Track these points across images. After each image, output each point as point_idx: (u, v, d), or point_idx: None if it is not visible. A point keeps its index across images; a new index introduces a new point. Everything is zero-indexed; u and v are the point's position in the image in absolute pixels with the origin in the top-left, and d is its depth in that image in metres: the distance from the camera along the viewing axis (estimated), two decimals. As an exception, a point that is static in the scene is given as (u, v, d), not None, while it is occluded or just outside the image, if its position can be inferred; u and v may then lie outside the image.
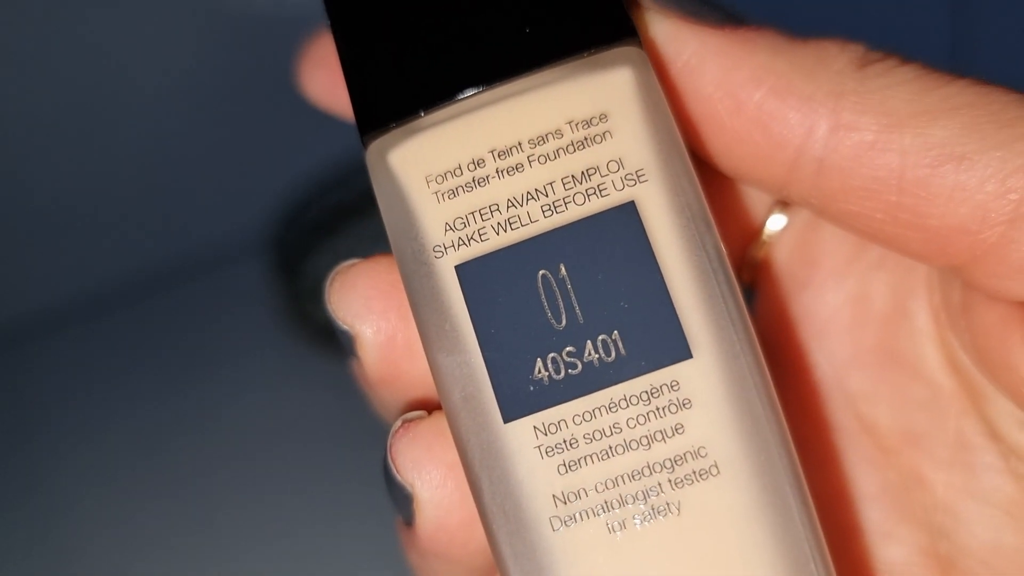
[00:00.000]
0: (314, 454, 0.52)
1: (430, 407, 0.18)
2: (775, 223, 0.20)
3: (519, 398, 0.15)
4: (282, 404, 0.55)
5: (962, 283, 0.18)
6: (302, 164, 0.54)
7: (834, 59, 0.16)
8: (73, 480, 0.55)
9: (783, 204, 0.20)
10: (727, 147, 0.17)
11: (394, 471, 0.17)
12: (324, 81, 0.21)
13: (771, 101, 0.17)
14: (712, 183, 0.19)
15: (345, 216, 0.52)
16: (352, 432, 0.45)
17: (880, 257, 0.20)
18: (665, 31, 0.17)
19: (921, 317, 0.19)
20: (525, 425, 0.15)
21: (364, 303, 0.17)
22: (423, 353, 0.17)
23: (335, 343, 0.55)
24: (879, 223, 0.17)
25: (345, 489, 0.50)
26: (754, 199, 0.21)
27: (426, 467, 0.17)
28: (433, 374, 0.16)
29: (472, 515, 0.17)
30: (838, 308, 0.20)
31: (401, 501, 0.17)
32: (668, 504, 0.15)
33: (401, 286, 0.17)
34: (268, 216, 0.56)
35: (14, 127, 0.51)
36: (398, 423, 0.17)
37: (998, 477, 0.19)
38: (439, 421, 0.17)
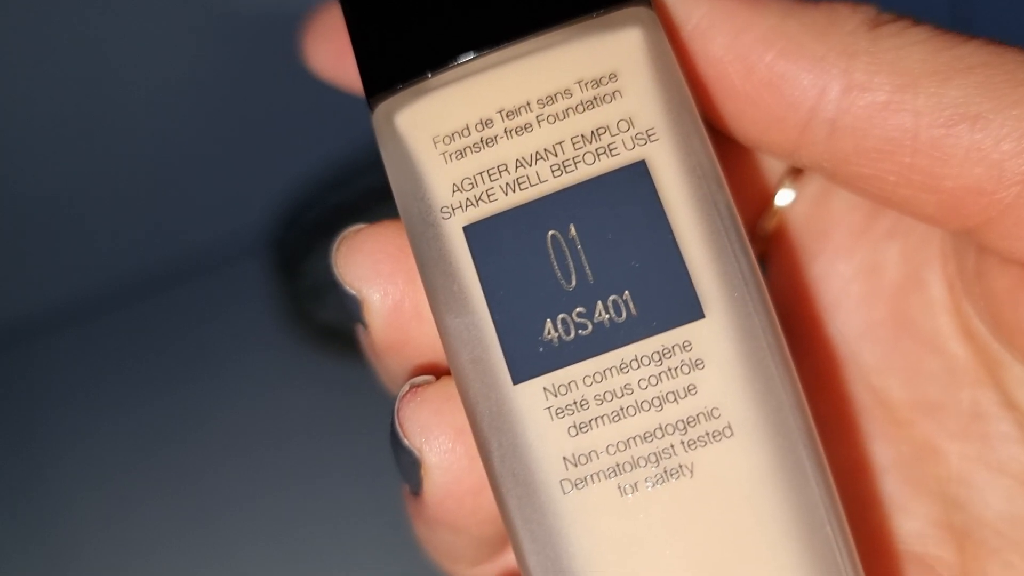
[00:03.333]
0: (314, 453, 0.53)
1: (438, 373, 0.17)
2: (784, 197, 0.20)
3: (529, 359, 0.15)
4: (282, 404, 0.55)
5: (976, 248, 0.18)
6: (302, 164, 0.54)
7: (846, 20, 0.16)
8: (73, 480, 0.55)
9: (794, 175, 0.20)
10: (738, 110, 0.17)
11: (401, 436, 0.17)
12: (329, 53, 0.21)
13: (782, 63, 0.16)
14: (724, 153, 0.19)
15: (345, 216, 0.50)
16: (352, 431, 0.47)
17: (892, 227, 0.19)
18: None
19: (935, 287, 0.19)
20: (535, 386, 0.15)
21: (371, 267, 0.17)
22: (431, 318, 0.16)
23: (335, 342, 0.55)
24: (892, 185, 0.17)
25: (345, 488, 0.51)
26: (765, 169, 0.20)
27: (434, 432, 0.16)
28: (441, 337, 0.16)
29: (481, 482, 0.16)
30: (850, 279, 0.20)
31: (408, 468, 0.17)
32: (681, 466, 0.15)
33: (409, 250, 0.17)
34: (268, 216, 0.56)
35: (14, 127, 0.51)
36: (405, 387, 0.17)
37: (1014, 447, 0.18)
38: (447, 385, 0.17)
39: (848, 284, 0.20)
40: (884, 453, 0.19)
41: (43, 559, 0.53)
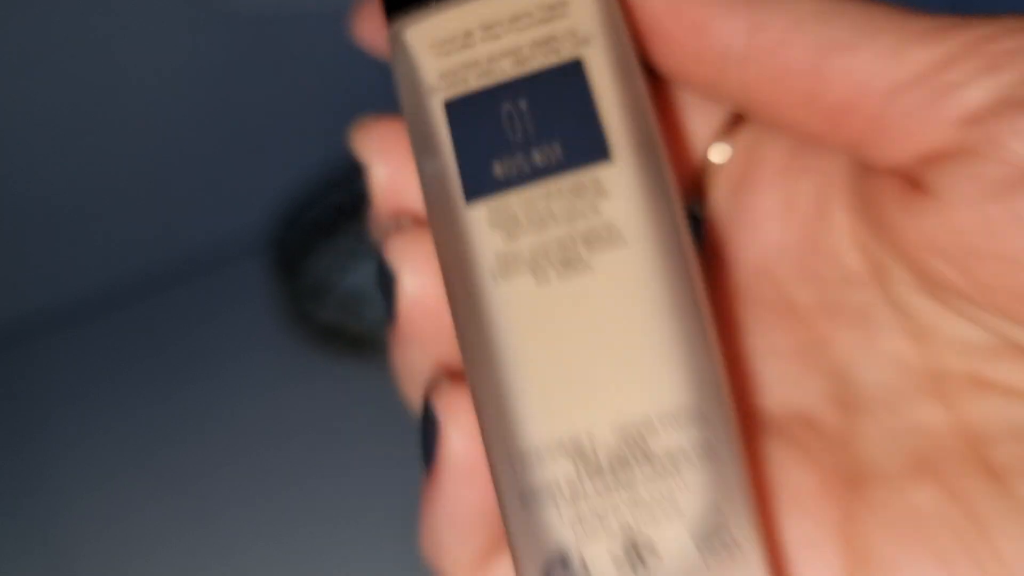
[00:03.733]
0: (314, 452, 0.52)
1: (420, 223, 0.23)
2: (720, 152, 0.25)
3: (479, 187, 0.21)
4: (282, 403, 0.55)
5: (862, 168, 0.22)
6: (302, 164, 0.54)
7: None
8: (73, 479, 0.55)
9: (729, 128, 0.25)
10: (671, 52, 0.22)
11: (385, 261, 0.22)
12: (374, 28, 0.27)
13: (704, 10, 0.22)
14: (669, 113, 0.24)
15: (345, 216, 0.52)
16: (352, 430, 0.47)
17: (805, 166, 0.24)
18: None
19: (837, 212, 0.24)
20: (481, 207, 0.20)
21: (377, 143, 0.23)
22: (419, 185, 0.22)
23: (334, 342, 0.54)
24: (789, 108, 0.22)
25: (345, 486, 0.51)
26: (703, 129, 0.26)
27: (409, 257, 0.22)
28: (419, 176, 0.21)
29: (442, 302, 0.21)
30: (772, 208, 0.25)
31: (387, 289, 0.22)
32: (583, 264, 0.20)
33: (405, 132, 0.22)
34: (268, 216, 0.55)
35: (14, 126, 0.51)
36: (391, 227, 0.22)
37: (891, 334, 0.23)
38: (423, 229, 0.22)
39: (770, 212, 0.25)
40: (787, 343, 0.24)
41: (44, 558, 0.53)
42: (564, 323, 0.19)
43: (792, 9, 0.21)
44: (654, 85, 0.23)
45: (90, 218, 0.55)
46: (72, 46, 0.48)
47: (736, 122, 0.25)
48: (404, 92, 0.22)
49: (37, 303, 0.58)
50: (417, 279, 0.22)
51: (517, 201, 0.20)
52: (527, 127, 0.21)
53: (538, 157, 0.21)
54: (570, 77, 0.21)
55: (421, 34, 0.22)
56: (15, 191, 0.53)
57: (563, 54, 0.21)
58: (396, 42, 0.22)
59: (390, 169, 0.23)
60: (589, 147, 0.20)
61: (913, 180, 0.21)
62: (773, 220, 0.24)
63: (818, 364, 0.23)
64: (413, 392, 0.23)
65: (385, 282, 0.22)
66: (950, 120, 0.20)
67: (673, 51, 0.22)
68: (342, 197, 0.53)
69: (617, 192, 0.20)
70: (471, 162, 0.21)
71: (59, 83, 0.50)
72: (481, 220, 0.20)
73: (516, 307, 0.20)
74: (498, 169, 0.21)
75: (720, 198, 0.25)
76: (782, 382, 0.23)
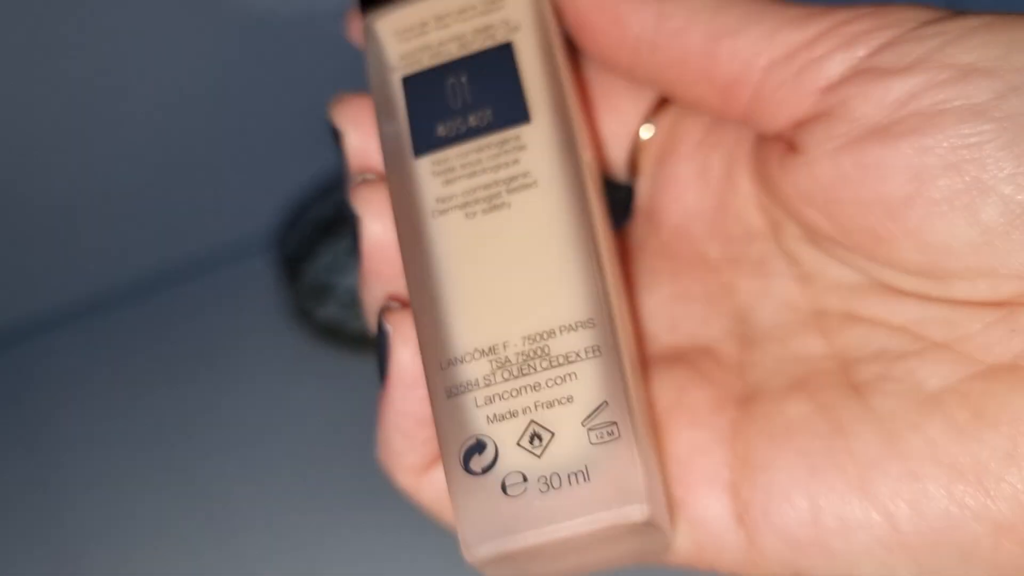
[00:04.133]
0: (314, 450, 0.53)
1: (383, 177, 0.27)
2: (646, 130, 0.29)
3: (425, 144, 0.25)
4: (282, 402, 0.55)
5: (758, 139, 0.26)
6: (304, 165, 0.54)
7: None
8: (74, 479, 0.55)
9: (654, 111, 0.29)
10: (596, 41, 0.27)
11: (352, 207, 0.26)
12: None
13: (620, 4, 0.26)
14: (601, 101, 0.29)
15: (345, 216, 0.51)
16: (352, 428, 0.43)
17: (718, 140, 0.28)
18: None
19: (741, 179, 0.28)
20: (426, 160, 0.25)
21: (351, 114, 0.27)
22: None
23: (336, 340, 0.57)
24: (691, 86, 0.26)
25: (347, 483, 0.51)
26: (634, 111, 0.30)
27: (372, 203, 0.26)
28: (380, 136, 0.26)
29: (396, 241, 0.26)
30: (689, 178, 0.29)
31: (354, 232, 0.26)
32: (504, 203, 0.24)
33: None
34: (270, 216, 0.56)
35: (18, 126, 0.51)
36: (358, 179, 0.27)
37: (783, 280, 0.26)
38: (382, 184, 0.26)
39: (688, 181, 0.29)
40: (699, 289, 0.28)
41: (46, 557, 0.53)
42: (487, 252, 0.24)
43: (691, 2, 0.25)
44: (589, 74, 0.28)
45: (94, 218, 0.55)
46: (79, 48, 0.49)
47: (661, 104, 0.29)
48: (372, 71, 0.27)
49: (39, 303, 0.58)
50: (378, 223, 0.26)
51: (454, 154, 0.25)
52: (466, 97, 0.25)
53: (473, 120, 0.25)
54: (502, 57, 0.25)
55: (387, 25, 0.27)
56: (20, 191, 0.53)
57: (497, 38, 0.26)
58: (368, 32, 0.27)
59: (360, 135, 0.27)
60: (513, 112, 0.25)
61: (790, 143, 0.25)
62: (690, 187, 0.28)
63: (722, 306, 0.27)
64: (373, 322, 0.28)
65: (353, 227, 0.26)
66: (813, 89, 0.24)
67: (598, 40, 0.27)
68: (343, 197, 0.53)
69: (534, 146, 0.24)
70: (420, 125, 0.25)
71: (63, 84, 0.50)
72: (425, 170, 0.25)
73: (449, 239, 0.24)
74: (441, 130, 0.25)
75: (648, 171, 0.29)
76: (692, 321, 0.27)
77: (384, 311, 0.25)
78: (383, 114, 0.26)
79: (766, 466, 0.24)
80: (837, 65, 0.23)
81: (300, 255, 0.54)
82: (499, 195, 0.24)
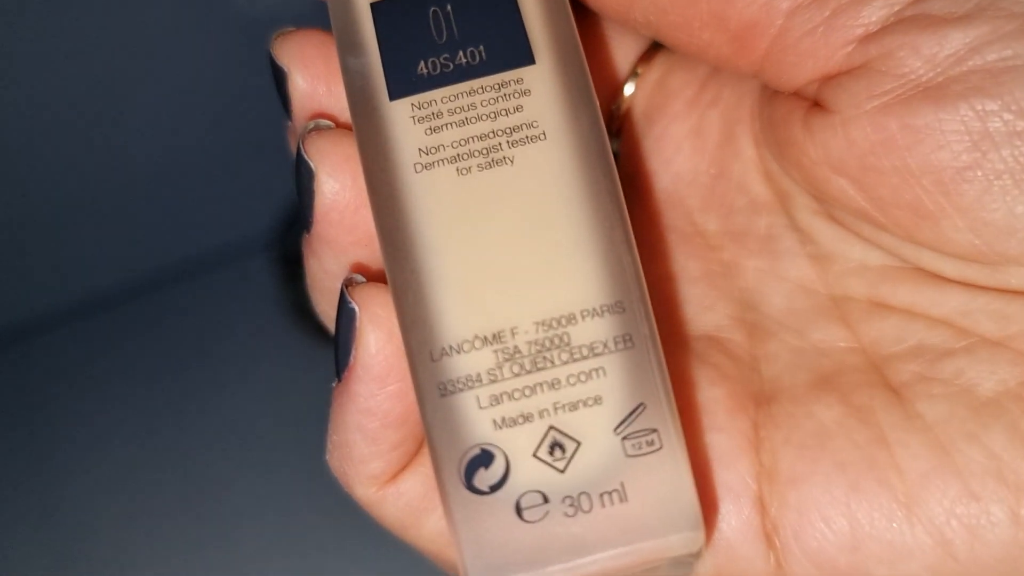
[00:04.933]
0: (314, 448, 0.52)
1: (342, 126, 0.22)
2: (630, 84, 0.26)
3: (403, 85, 0.20)
4: (284, 400, 0.55)
5: (769, 94, 0.23)
6: None
7: None
8: (75, 478, 0.55)
9: (642, 63, 0.26)
10: None
11: (304, 156, 0.21)
12: None
13: None
14: (588, 47, 0.24)
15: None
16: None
17: (714, 97, 0.25)
18: None
19: (743, 141, 0.24)
20: (404, 103, 0.20)
21: (299, 52, 0.22)
22: (341, 95, 0.21)
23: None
24: (698, 30, 0.22)
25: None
26: (620, 61, 0.26)
27: (329, 155, 0.21)
28: (342, 73, 0.21)
29: (360, 200, 0.21)
30: (682, 139, 0.25)
31: (305, 185, 0.21)
32: (504, 158, 0.20)
33: (329, 46, 0.22)
34: (271, 214, 0.57)
35: (20, 126, 0.52)
36: (311, 125, 0.22)
37: (795, 259, 0.23)
38: (344, 131, 0.22)
39: (680, 143, 0.25)
40: (697, 268, 0.24)
41: (46, 553, 0.53)
42: (486, 215, 0.19)
43: None
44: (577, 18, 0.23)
45: (97, 217, 0.56)
46: (80, 48, 0.49)
47: (648, 54, 0.25)
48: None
49: (40, 302, 0.59)
50: (336, 179, 0.21)
51: (440, 97, 0.20)
52: (453, 29, 0.21)
53: (463, 57, 0.20)
54: None
55: None
56: (21, 191, 0.54)
57: None
58: None
59: (310, 76, 0.22)
60: (513, 50, 0.20)
61: (814, 101, 0.21)
62: (683, 150, 0.25)
63: (727, 289, 0.24)
64: (326, 302, 0.23)
65: (303, 183, 0.22)
66: (848, 38, 0.20)
67: None
68: None
69: (539, 91, 0.20)
70: (396, 61, 0.21)
71: (63, 84, 0.50)
72: (404, 115, 0.20)
73: (437, 198, 0.20)
74: (423, 68, 0.20)
75: (633, 130, 0.25)
76: (691, 305, 0.24)
77: (348, 285, 0.21)
78: (346, 46, 0.21)
79: (798, 480, 0.20)
80: (877, 10, 0.20)
81: (300, 255, 0.51)
82: (498, 147, 0.20)
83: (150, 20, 0.50)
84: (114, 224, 0.57)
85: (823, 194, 0.22)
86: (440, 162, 0.20)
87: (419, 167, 0.20)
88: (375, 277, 0.21)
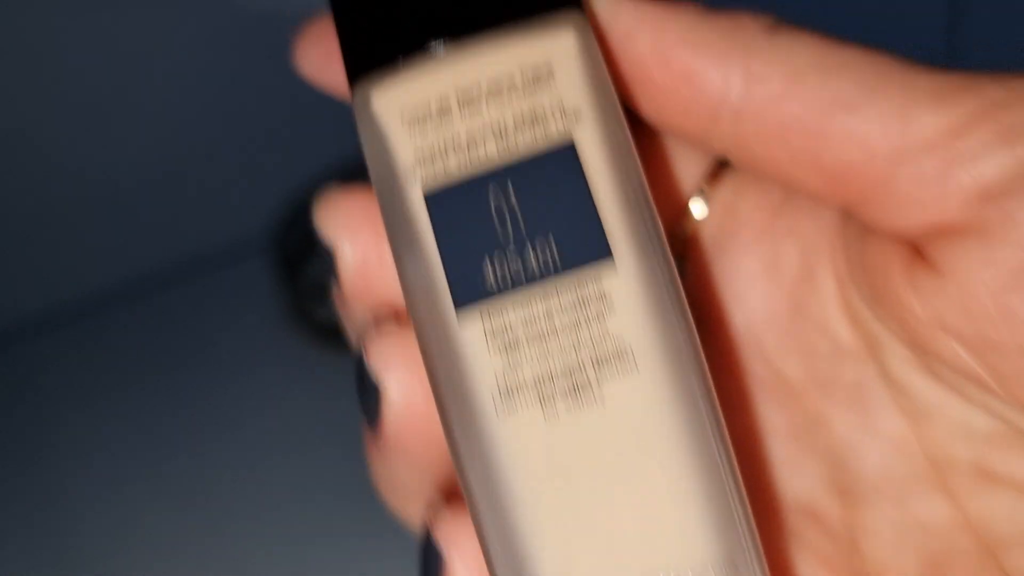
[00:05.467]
0: (314, 449, 0.53)
1: (401, 321, 0.20)
2: (699, 205, 0.23)
3: (468, 291, 0.18)
4: (282, 401, 0.56)
5: (859, 231, 0.21)
6: (303, 165, 0.55)
7: (748, 24, 0.19)
8: (74, 478, 0.55)
9: (708, 182, 0.23)
10: (658, 101, 0.20)
11: (366, 367, 0.19)
12: (317, 57, 0.23)
13: (696, 59, 0.19)
14: (648, 163, 0.22)
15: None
16: (351, 428, 0.46)
17: (790, 227, 0.22)
18: (606, 5, 0.20)
19: (825, 278, 0.22)
20: (474, 316, 0.18)
21: (345, 221, 0.20)
22: (395, 270, 0.19)
23: (335, 341, 0.55)
24: (786, 165, 0.19)
25: (345, 483, 0.50)
26: (685, 179, 0.23)
27: (395, 364, 0.19)
28: (400, 277, 0.18)
29: (432, 411, 0.19)
30: (754, 273, 0.23)
31: (370, 399, 0.19)
32: (594, 396, 0.17)
33: (377, 210, 0.19)
34: (269, 216, 0.57)
35: (18, 126, 0.52)
36: (372, 329, 0.19)
37: (888, 414, 0.21)
38: (408, 331, 0.19)
39: (753, 277, 0.23)
40: (779, 421, 0.22)
41: (44, 555, 0.54)
42: (577, 463, 0.17)
43: (792, 60, 0.19)
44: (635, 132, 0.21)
45: (93, 218, 0.56)
46: (77, 47, 0.49)
47: (716, 171, 0.23)
48: (376, 171, 0.19)
49: (38, 303, 0.59)
50: (405, 388, 0.19)
51: (515, 314, 0.18)
52: (519, 222, 0.18)
53: (533, 258, 0.18)
54: (562, 163, 0.18)
55: (391, 101, 0.19)
56: (19, 191, 0.54)
57: (552, 135, 0.18)
58: (362, 107, 0.19)
59: (361, 251, 0.20)
60: (588, 245, 0.18)
61: (919, 250, 0.19)
62: (756, 285, 0.23)
63: (815, 446, 0.22)
64: (401, 503, 0.21)
65: (367, 390, 0.19)
66: (963, 193, 0.18)
67: (659, 100, 0.20)
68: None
69: (624, 304, 0.18)
70: (459, 265, 0.18)
71: (63, 83, 0.50)
72: (477, 338, 0.18)
73: (523, 444, 0.17)
74: (489, 272, 0.18)
75: (701, 256, 0.23)
76: (780, 466, 0.22)
77: (432, 517, 0.19)
78: (402, 244, 0.19)
79: None
80: (995, 166, 0.18)
81: (300, 255, 0.53)
82: (586, 383, 0.18)
83: (148, 19, 0.50)
84: (111, 225, 0.57)
85: (928, 352, 0.20)
86: (523, 402, 0.18)
87: (500, 407, 0.18)
88: (455, 488, 0.20)
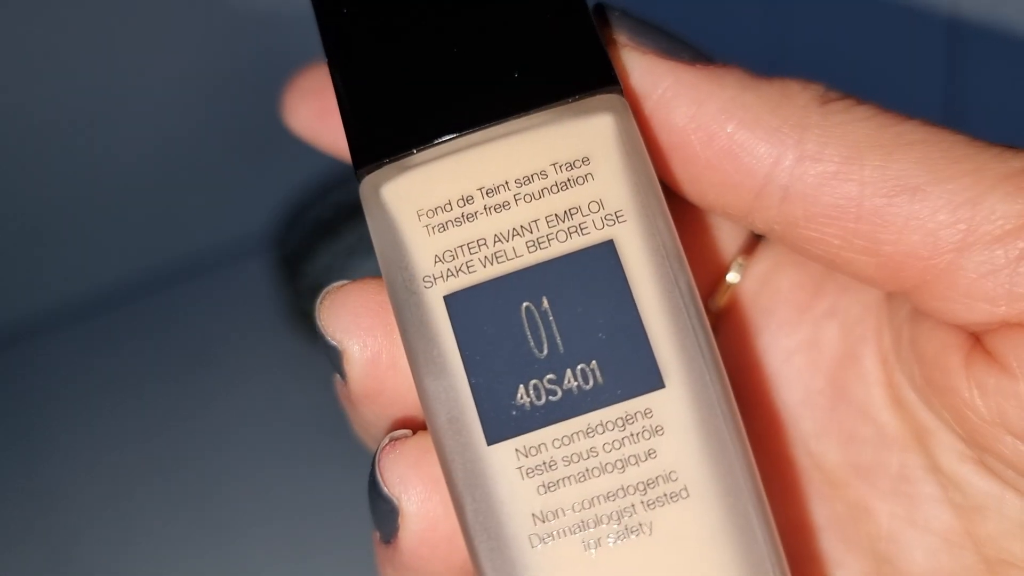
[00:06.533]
0: (313, 450, 0.53)
1: (413, 426, 0.18)
2: (735, 276, 0.22)
3: (502, 422, 0.16)
4: (283, 402, 0.55)
5: (910, 315, 0.19)
6: (304, 165, 0.53)
7: (797, 95, 0.18)
8: (73, 478, 0.55)
9: (744, 254, 0.22)
10: (697, 176, 0.18)
11: (381, 485, 0.17)
12: (308, 113, 0.22)
13: (741, 132, 0.18)
14: (681, 233, 0.20)
15: (346, 216, 0.52)
16: (351, 429, 0.46)
17: (832, 306, 0.21)
18: (641, 67, 0.18)
19: (869, 361, 0.21)
20: (507, 448, 0.16)
21: (353, 320, 0.18)
22: (406, 370, 0.17)
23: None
24: (836, 248, 0.18)
25: (345, 484, 0.48)
26: (719, 249, 0.22)
27: (412, 482, 0.17)
28: (420, 398, 0.17)
29: (454, 531, 0.17)
30: (792, 352, 0.21)
31: (385, 516, 0.18)
32: (641, 524, 0.16)
33: (387, 306, 0.18)
34: (269, 216, 0.56)
35: (16, 125, 0.51)
36: (385, 440, 0.18)
37: (937, 507, 0.20)
38: (424, 440, 0.18)
39: (790, 357, 0.21)
40: (820, 512, 0.21)
41: (43, 554, 0.53)
42: (623, 602, 0.16)
43: (849, 136, 0.17)
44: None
45: (93, 218, 0.55)
46: (78, 47, 0.49)
47: (755, 243, 0.22)
48: (388, 271, 0.17)
49: (37, 303, 0.59)
50: (425, 507, 0.18)
51: (552, 441, 0.16)
52: (553, 335, 0.17)
53: (572, 381, 0.16)
54: (602, 267, 0.17)
55: (404, 193, 0.17)
56: (18, 191, 0.53)
57: (591, 236, 0.17)
58: (371, 199, 0.17)
59: (371, 352, 0.18)
60: (636, 373, 0.16)
61: (979, 340, 0.18)
62: (793, 363, 0.21)
63: (857, 538, 0.21)
64: None
65: (381, 503, 0.18)
66: None
67: (699, 175, 0.18)
68: (343, 197, 0.52)
69: (674, 427, 0.16)
70: (489, 388, 0.17)
71: (62, 83, 0.50)
72: (508, 466, 0.16)
73: None
74: (523, 396, 0.16)
75: (736, 331, 0.22)
76: (823, 562, 0.21)
77: None
78: (421, 358, 0.17)
79: None
80: None
81: (299, 255, 0.53)
82: (631, 510, 0.16)
83: (147, 16, 0.49)
84: (111, 226, 0.56)
85: (985, 449, 0.19)
86: (561, 532, 0.16)
87: (536, 539, 0.16)
88: None
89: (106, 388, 0.57)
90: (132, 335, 0.59)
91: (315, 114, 0.22)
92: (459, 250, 0.17)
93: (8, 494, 0.55)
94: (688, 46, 0.19)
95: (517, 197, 0.17)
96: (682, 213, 0.21)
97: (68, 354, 0.59)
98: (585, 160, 0.17)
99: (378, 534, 0.19)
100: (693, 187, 0.19)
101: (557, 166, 0.17)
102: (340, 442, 0.48)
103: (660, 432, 0.16)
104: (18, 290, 0.58)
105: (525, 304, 0.17)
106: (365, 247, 0.52)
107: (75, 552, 0.53)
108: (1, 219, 0.55)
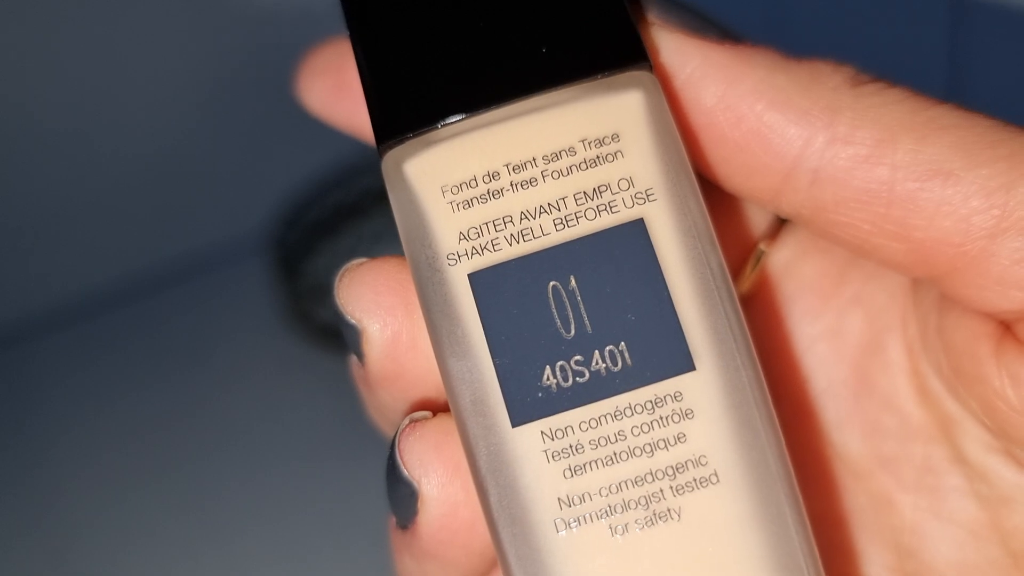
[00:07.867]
0: (313, 451, 0.53)
1: (432, 407, 0.18)
2: (755, 264, 0.21)
3: (527, 404, 0.16)
4: (282, 402, 0.55)
5: (937, 303, 0.19)
6: (303, 164, 0.54)
7: (829, 77, 0.17)
8: (73, 479, 0.55)
9: (769, 239, 0.21)
10: (726, 157, 0.18)
11: (401, 468, 0.17)
12: (323, 90, 0.21)
13: (771, 114, 0.17)
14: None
15: (345, 216, 0.53)
16: (351, 429, 0.44)
17: (856, 294, 0.21)
18: (671, 45, 0.18)
19: (894, 350, 0.20)
20: (533, 430, 0.16)
21: (373, 299, 0.17)
22: (427, 352, 0.17)
23: (335, 342, 0.55)
24: (866, 233, 0.18)
25: (344, 485, 0.50)
26: (744, 232, 0.21)
27: (433, 465, 0.17)
28: (443, 378, 0.16)
29: (475, 516, 0.17)
30: (815, 340, 0.21)
31: (404, 500, 0.17)
32: (669, 510, 0.16)
33: (409, 285, 0.17)
34: (269, 216, 0.56)
35: (16, 125, 0.51)
36: (405, 421, 0.17)
37: (963, 499, 0.20)
38: (446, 422, 0.17)
39: (813, 344, 0.21)
40: (843, 502, 0.21)
41: (41, 554, 0.53)
42: (649, 587, 0.15)
43: (882, 119, 0.17)
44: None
45: (92, 218, 0.55)
46: (75, 46, 0.49)
47: (779, 227, 0.21)
48: (411, 248, 0.17)
49: (37, 303, 0.59)
50: (446, 492, 0.17)
51: (579, 423, 0.16)
52: (581, 315, 0.16)
53: (600, 362, 0.16)
54: (631, 246, 0.16)
55: (427, 169, 0.17)
56: (17, 191, 0.54)
57: (620, 214, 0.16)
58: (395, 175, 0.17)
59: (391, 331, 0.18)
60: (666, 355, 0.16)
61: (1011, 329, 0.18)
62: (815, 351, 0.21)
63: (880, 530, 0.20)
64: None
65: (400, 488, 0.17)
66: None
67: (727, 156, 0.18)
68: (342, 197, 0.53)
69: (705, 411, 0.16)
70: (514, 369, 0.16)
71: (60, 83, 0.50)
72: (534, 448, 0.16)
73: (588, 563, 0.16)
74: (549, 378, 0.16)
75: (755, 318, 0.21)
76: (843, 553, 0.20)
77: None
78: (444, 337, 0.16)
79: None
80: None
81: (299, 255, 0.53)
82: (660, 496, 0.16)
83: (145, 15, 0.49)
84: (110, 226, 0.56)
85: (1015, 439, 0.18)
86: (588, 517, 0.16)
87: (561, 524, 0.16)
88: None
89: (105, 388, 0.57)
90: (131, 335, 0.59)
91: (330, 91, 0.21)
92: (484, 227, 0.16)
93: (7, 494, 0.55)
94: (717, 26, 0.18)
95: (545, 174, 0.16)
96: (707, 197, 0.21)
97: (67, 354, 0.59)
98: (615, 137, 0.17)
99: (395, 520, 0.18)
100: (720, 169, 0.18)
101: (586, 143, 0.17)
102: (339, 442, 0.51)
103: (690, 416, 0.16)
104: (17, 290, 0.58)
105: (552, 283, 0.16)
106: (365, 247, 0.52)
107: (74, 552, 0.53)
108: (1, 219, 0.55)
